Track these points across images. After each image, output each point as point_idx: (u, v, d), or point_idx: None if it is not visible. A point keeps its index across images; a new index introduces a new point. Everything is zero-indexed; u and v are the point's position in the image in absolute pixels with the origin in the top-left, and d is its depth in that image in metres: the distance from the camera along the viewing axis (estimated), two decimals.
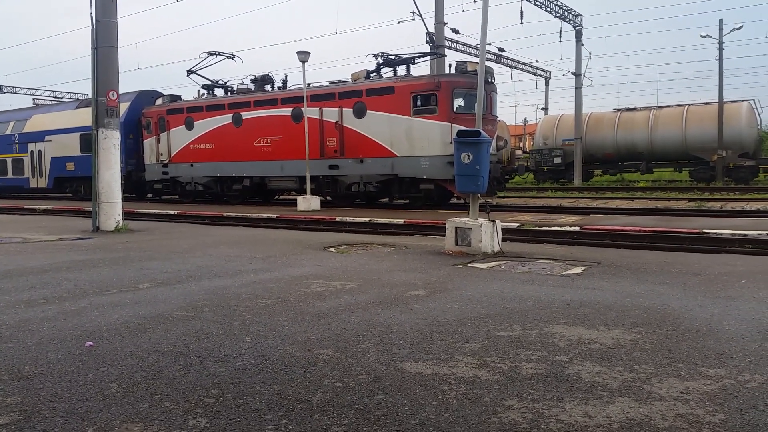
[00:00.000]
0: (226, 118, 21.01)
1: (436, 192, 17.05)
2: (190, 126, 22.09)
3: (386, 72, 18.39)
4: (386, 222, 13.12)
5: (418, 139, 16.64)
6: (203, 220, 15.69)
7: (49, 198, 27.22)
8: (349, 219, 13.90)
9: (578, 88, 30.21)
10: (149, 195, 24.70)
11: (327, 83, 19.27)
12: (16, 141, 27.73)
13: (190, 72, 22.64)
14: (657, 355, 3.48)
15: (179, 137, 22.40)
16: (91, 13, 10.89)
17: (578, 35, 30.47)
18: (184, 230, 11.72)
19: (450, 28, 26.02)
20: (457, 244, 7.73)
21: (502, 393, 2.93)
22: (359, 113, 17.67)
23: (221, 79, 22.86)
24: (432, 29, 23.02)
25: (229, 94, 22.24)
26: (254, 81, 21.51)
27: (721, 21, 28.85)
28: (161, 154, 23.03)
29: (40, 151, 26.67)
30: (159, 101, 23.66)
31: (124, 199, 11.87)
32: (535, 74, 41.13)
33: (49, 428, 2.56)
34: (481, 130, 7.73)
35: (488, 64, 20.71)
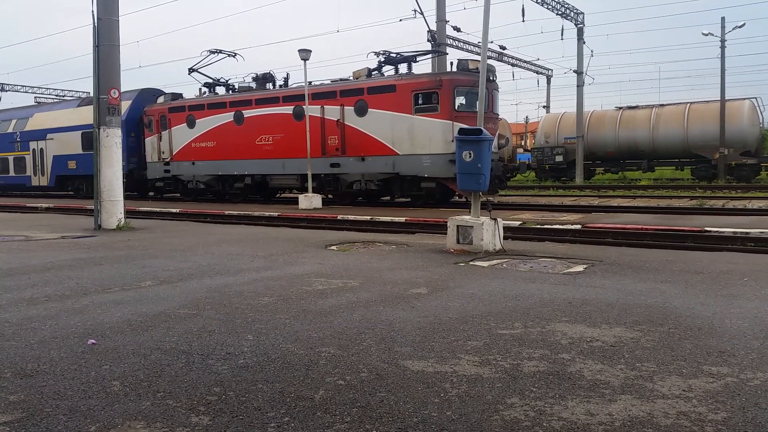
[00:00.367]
0: (227, 117, 21.01)
1: (437, 190, 17.04)
2: (191, 124, 22.09)
3: (388, 70, 18.40)
4: (388, 220, 13.12)
5: (420, 138, 16.63)
6: (205, 218, 15.70)
7: (51, 196, 27.26)
8: (351, 217, 13.91)
9: (580, 86, 30.17)
10: (151, 193, 24.73)
11: (328, 81, 19.26)
12: (18, 139, 27.77)
13: (191, 70, 22.64)
14: (659, 353, 3.48)
15: (181, 135, 22.41)
16: (92, 11, 10.90)
17: (580, 33, 30.43)
18: (186, 228, 11.73)
19: (452, 26, 26.01)
20: (458, 242, 7.73)
21: (504, 391, 2.93)
22: (361, 111, 17.67)
23: (223, 77, 22.88)
24: (433, 27, 23.00)
25: (230, 92, 22.25)
26: (256, 79, 21.52)
27: (723, 19, 28.80)
28: (163, 153, 23.04)
29: (42, 149, 26.70)
30: (160, 99, 23.67)
31: (126, 198, 11.89)
32: (537, 72, 41.07)
33: (52, 426, 2.56)
34: (482, 129, 7.73)
35: (490, 62, 20.71)
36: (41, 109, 29.05)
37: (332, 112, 18.24)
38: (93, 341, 3.78)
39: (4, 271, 6.45)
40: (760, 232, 9.53)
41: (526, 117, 64.69)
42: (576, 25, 30.33)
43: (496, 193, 18.37)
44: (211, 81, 22.81)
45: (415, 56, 18.31)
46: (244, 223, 14.15)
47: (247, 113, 20.45)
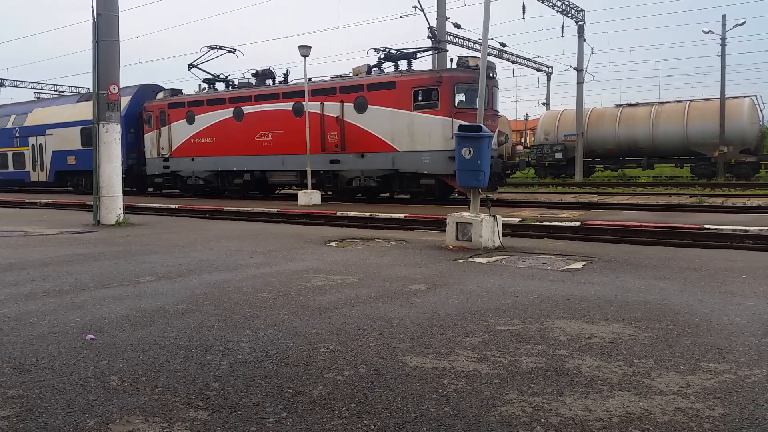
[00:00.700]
0: (227, 113, 20.99)
1: (437, 187, 17.05)
2: (191, 120, 22.07)
3: (388, 67, 18.38)
4: (387, 217, 13.12)
5: (419, 134, 16.63)
6: (204, 214, 15.70)
7: (50, 192, 27.24)
8: (350, 214, 13.91)
9: (580, 83, 30.16)
10: (150, 189, 24.71)
11: (328, 78, 19.24)
12: (17, 135, 27.74)
13: (191, 66, 22.61)
14: (657, 349, 3.48)
15: (180, 131, 22.38)
16: (92, 7, 10.88)
17: (580, 30, 30.40)
18: (185, 224, 11.73)
19: (452, 23, 26.00)
20: (457, 238, 7.74)
21: (502, 387, 2.94)
22: (360, 108, 17.66)
23: (222, 73, 22.86)
24: (434, 24, 22.96)
25: (230, 88, 22.22)
26: (255, 75, 21.51)
27: (723, 17, 28.78)
28: (162, 148, 23.03)
29: (41, 144, 26.67)
30: (160, 95, 23.64)
31: (125, 193, 11.88)
32: (537, 69, 41.05)
33: (51, 420, 2.57)
34: (482, 125, 7.72)
35: (490, 59, 20.69)
36: (40, 105, 29.01)
37: (332, 108, 18.23)
38: (91, 336, 3.79)
39: (3, 267, 6.45)
40: (759, 230, 9.53)
41: (526, 114, 64.66)
42: (576, 22, 30.29)
43: (496, 190, 18.37)
44: (210, 77, 22.78)
45: (415, 53, 18.29)
46: (243, 219, 14.15)
47: (247, 109, 20.43)
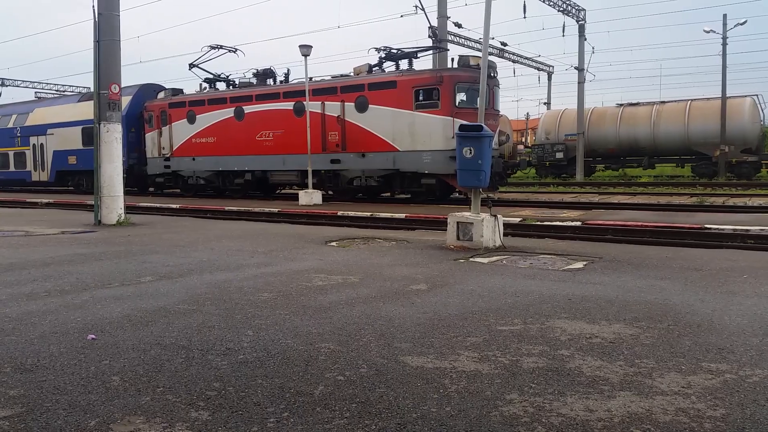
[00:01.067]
0: (228, 112, 21.00)
1: (437, 187, 17.04)
2: (192, 120, 22.08)
3: (389, 66, 18.37)
4: (388, 216, 13.12)
5: (420, 134, 16.62)
6: (205, 214, 15.70)
7: (51, 191, 27.25)
8: (351, 213, 13.91)
9: (581, 82, 30.14)
10: (151, 189, 24.72)
11: (329, 77, 19.23)
12: (18, 134, 27.76)
13: (192, 65, 22.62)
14: (658, 349, 3.48)
15: (181, 131, 22.39)
16: (93, 7, 10.88)
17: (581, 30, 30.37)
18: (186, 224, 11.74)
19: (453, 22, 25.97)
20: (458, 238, 7.73)
21: (503, 387, 2.93)
22: (361, 107, 17.65)
23: (223, 72, 22.86)
24: (435, 23, 22.95)
25: (231, 87, 22.22)
26: (256, 75, 21.51)
27: (725, 16, 28.76)
28: (163, 148, 23.04)
29: (42, 144, 26.69)
30: (161, 95, 23.65)
31: (126, 193, 11.88)
32: (538, 69, 41.02)
33: (52, 420, 2.57)
34: (483, 125, 7.72)
35: (491, 58, 20.65)
36: (41, 105, 29.03)
37: (333, 108, 18.23)
38: (93, 336, 3.79)
39: (4, 266, 6.45)
40: (760, 230, 9.52)
41: (527, 113, 64.63)
42: (577, 21, 30.27)
43: (497, 190, 18.36)
44: (211, 76, 22.79)
45: (416, 52, 18.28)
46: (244, 218, 14.15)
47: (248, 109, 20.43)
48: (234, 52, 22.45)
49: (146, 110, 23.58)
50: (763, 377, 3.02)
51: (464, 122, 10.55)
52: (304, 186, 18.49)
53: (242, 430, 2.48)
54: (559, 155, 30.80)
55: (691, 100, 28.48)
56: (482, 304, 4.63)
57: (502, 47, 33.46)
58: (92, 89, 11.66)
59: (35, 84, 49.73)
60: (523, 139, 52.61)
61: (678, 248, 8.11)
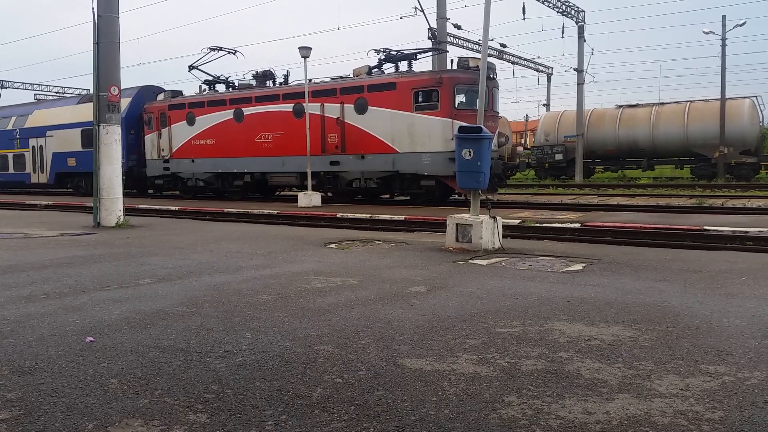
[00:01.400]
0: (227, 114, 21.01)
1: (437, 188, 17.05)
2: (191, 121, 22.09)
3: (388, 68, 18.40)
4: (387, 218, 13.12)
5: (420, 135, 16.63)
6: (204, 216, 15.70)
7: (50, 193, 27.25)
8: (350, 215, 13.91)
9: (580, 84, 30.16)
10: (150, 191, 24.73)
11: (329, 79, 19.25)
12: (18, 136, 27.76)
13: (191, 67, 22.63)
14: (657, 351, 3.48)
15: (180, 133, 22.40)
16: (93, 8, 10.89)
17: (581, 31, 30.41)
18: (185, 226, 11.73)
19: (452, 24, 26.01)
20: (457, 240, 7.73)
21: (501, 389, 2.93)
22: (361, 109, 17.66)
23: (223, 74, 22.88)
24: (434, 25, 22.97)
25: (230, 89, 22.24)
26: (256, 76, 21.52)
27: (724, 17, 28.78)
28: (162, 150, 23.04)
29: (41, 146, 26.69)
30: (160, 96, 23.66)
31: (125, 195, 11.88)
32: (537, 70, 41.06)
33: (50, 423, 2.56)
34: (482, 126, 7.72)
35: (490, 60, 20.67)
36: (41, 106, 29.03)
37: (332, 109, 18.24)
38: (91, 339, 3.78)
39: (3, 269, 6.45)
40: (759, 231, 9.53)
41: (526, 115, 64.69)
42: (576, 23, 30.30)
43: (496, 192, 18.37)
44: (211, 78, 22.80)
45: (416, 54, 18.30)
46: (243, 220, 14.15)
47: (247, 111, 20.44)
48: (233, 53, 22.46)
49: (146, 112, 23.59)
50: (761, 379, 3.02)
51: (463, 124, 10.55)
52: (304, 188, 18.49)
53: None
54: (559, 157, 30.80)
55: (690, 101, 28.49)
56: (481, 306, 4.63)
57: (502, 48, 33.49)
58: (92, 91, 11.66)
59: (35, 86, 49.77)
60: (523, 141, 52.62)
61: (677, 250, 8.11)
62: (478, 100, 8.84)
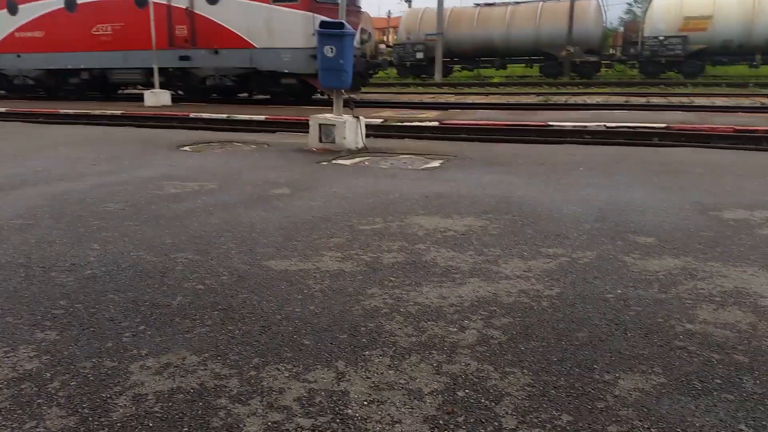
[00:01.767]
0: (57, 2, 18.42)
1: (298, 87, 16.54)
2: (12, 10, 19.13)
3: None
4: (246, 119, 12.59)
5: (279, 30, 15.79)
6: (37, 118, 14.04)
7: None
8: (205, 115, 13.16)
9: None
10: None
11: None
12: None
13: None
14: (504, 239, 3.77)
15: (1, 24, 19.41)
16: None
17: None
18: (15, 130, 10.46)
19: None
20: (321, 141, 7.65)
21: (365, 282, 3.04)
22: None
23: None
24: None
25: None
26: None
27: None
28: None
29: None
30: None
31: None
32: None
33: None
34: (344, 22, 7.47)
35: None
36: None
37: None
38: None
39: None
40: (596, 126, 10.42)
41: (389, 11, 63.67)
42: None
43: (359, 90, 18.24)
44: None
45: None
46: (82, 122, 12.85)
47: None
48: None
49: None
50: (592, 258, 3.41)
51: (325, 18, 10.14)
52: (150, 86, 17.05)
53: (96, 347, 2.36)
54: (420, 56, 30.97)
55: (543, 1, 29.57)
56: (345, 205, 4.68)
57: None
58: None
59: None
60: (385, 38, 52.14)
61: (525, 145, 8.68)
62: None
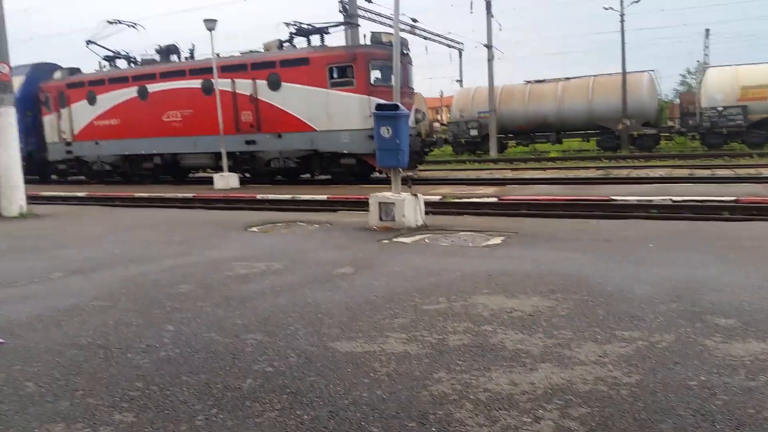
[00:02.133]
0: (130, 92, 19.91)
1: (357, 166, 17.01)
2: (92, 101, 20.79)
3: (300, 42, 17.98)
4: (309, 198, 12.99)
5: (337, 113, 16.47)
6: (113, 202, 14.92)
7: None
8: (271, 196, 13.65)
9: (490, 60, 30.83)
10: (53, 176, 23.17)
11: (238, 53, 18.62)
12: None
13: (89, 42, 21.24)
14: (574, 320, 3.66)
15: (82, 113, 21.06)
16: None
17: (488, 6, 30.97)
18: (94, 214, 11.12)
19: None
20: (381, 219, 7.77)
21: (431, 366, 3.00)
22: (274, 85, 17.24)
23: (123, 49, 21.60)
24: None
25: (132, 65, 21.06)
26: (159, 51, 20.43)
27: None
28: (63, 132, 21.60)
29: None
30: (57, 75, 22.06)
31: (27, 182, 11.07)
32: (449, 46, 41.47)
33: None
34: (399, 104, 7.74)
35: (402, 35, 20.73)
36: None
37: (244, 86, 17.68)
38: (1, 340, 3.53)
39: None
40: (662, 199, 10.20)
41: (441, 91, 65.39)
42: None
43: (416, 168, 18.58)
44: (111, 54, 21.47)
45: (327, 27, 18.00)
46: (156, 206, 13.56)
47: (152, 87, 19.45)
48: (134, 26, 21.27)
49: (42, 91, 21.97)
50: (671, 342, 3.26)
51: (380, 101, 10.53)
52: (219, 169, 17.91)
53: (170, 430, 2.40)
54: (474, 132, 31.52)
55: (595, 76, 29.84)
56: (407, 284, 4.69)
57: (413, 23, 33.57)
58: None
59: None
60: (439, 117, 53.39)
61: (587, 220, 8.55)
62: (393, 76, 8.84)
